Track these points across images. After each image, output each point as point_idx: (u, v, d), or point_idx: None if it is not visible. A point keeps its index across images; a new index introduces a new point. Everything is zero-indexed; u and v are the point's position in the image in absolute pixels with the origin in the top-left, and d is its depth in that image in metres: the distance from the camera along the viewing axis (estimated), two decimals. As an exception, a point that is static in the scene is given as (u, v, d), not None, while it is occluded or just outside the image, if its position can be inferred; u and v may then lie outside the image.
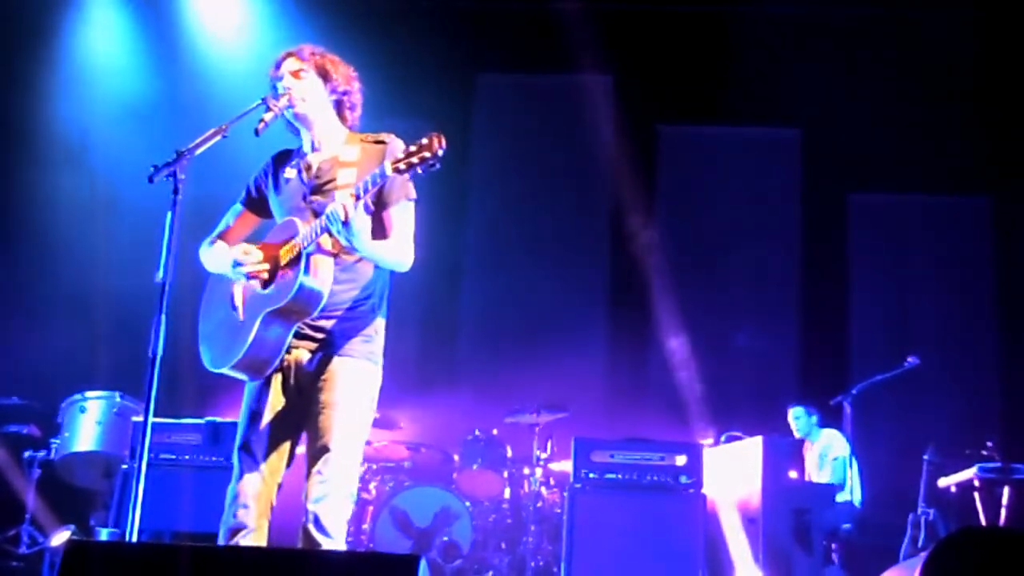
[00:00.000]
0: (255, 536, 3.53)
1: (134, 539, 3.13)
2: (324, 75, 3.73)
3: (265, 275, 3.59)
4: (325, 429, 3.53)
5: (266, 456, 3.56)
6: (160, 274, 3.30)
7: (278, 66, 3.74)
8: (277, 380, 3.62)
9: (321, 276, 3.50)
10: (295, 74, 3.70)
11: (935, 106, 8.20)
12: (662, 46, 8.64)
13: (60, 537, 6.20)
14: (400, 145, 3.60)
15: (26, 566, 6.63)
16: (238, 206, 3.87)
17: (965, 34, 8.13)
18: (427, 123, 8.79)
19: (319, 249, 3.51)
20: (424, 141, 3.38)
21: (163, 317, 3.25)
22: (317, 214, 3.56)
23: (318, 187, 3.68)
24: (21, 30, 8.17)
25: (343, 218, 3.37)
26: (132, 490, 3.17)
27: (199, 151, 3.44)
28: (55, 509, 6.88)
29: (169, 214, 3.37)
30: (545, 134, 8.94)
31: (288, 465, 3.64)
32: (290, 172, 3.75)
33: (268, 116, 3.63)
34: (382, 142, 3.71)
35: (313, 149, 3.77)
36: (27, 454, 6.85)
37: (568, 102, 8.46)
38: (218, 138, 3.51)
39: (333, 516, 3.50)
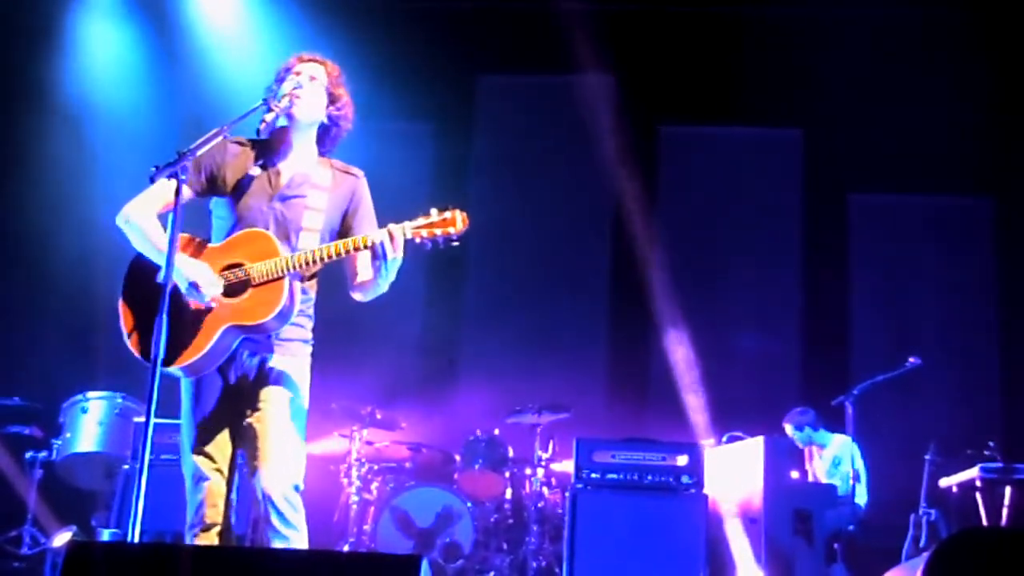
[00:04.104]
0: (224, 532, 3.59)
1: (136, 539, 3.13)
2: (332, 97, 3.78)
3: (222, 296, 3.54)
4: (272, 426, 3.58)
5: (220, 454, 3.62)
6: (162, 275, 3.29)
7: (299, 61, 3.78)
8: (215, 379, 3.64)
9: (296, 301, 3.57)
10: (312, 79, 3.75)
11: (936, 106, 8.19)
12: (663, 47, 8.64)
13: (62, 538, 6.20)
14: (365, 184, 3.81)
15: (28, 567, 6.63)
16: (173, 181, 3.44)
17: (967, 34, 8.13)
18: (428, 124, 8.87)
19: (297, 275, 3.57)
20: (448, 215, 3.47)
21: (165, 318, 3.24)
22: (279, 223, 3.64)
23: (286, 198, 3.69)
24: (24, 33, 8.19)
25: (393, 253, 3.47)
26: (134, 491, 3.16)
27: (200, 152, 3.43)
28: (57, 510, 6.88)
29: (170, 215, 3.37)
30: (546, 135, 8.93)
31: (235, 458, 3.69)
32: (255, 170, 3.72)
33: (270, 117, 3.66)
34: (352, 174, 3.82)
35: (284, 156, 3.76)
36: (29, 455, 6.86)
37: (569, 103, 8.46)
38: (219, 139, 3.51)
39: (296, 511, 3.56)
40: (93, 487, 6.85)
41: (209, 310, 3.53)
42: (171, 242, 3.31)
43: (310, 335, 3.77)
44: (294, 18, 8.11)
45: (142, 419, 3.45)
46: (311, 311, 3.77)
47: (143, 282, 3.57)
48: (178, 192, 3.37)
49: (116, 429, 6.68)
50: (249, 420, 3.61)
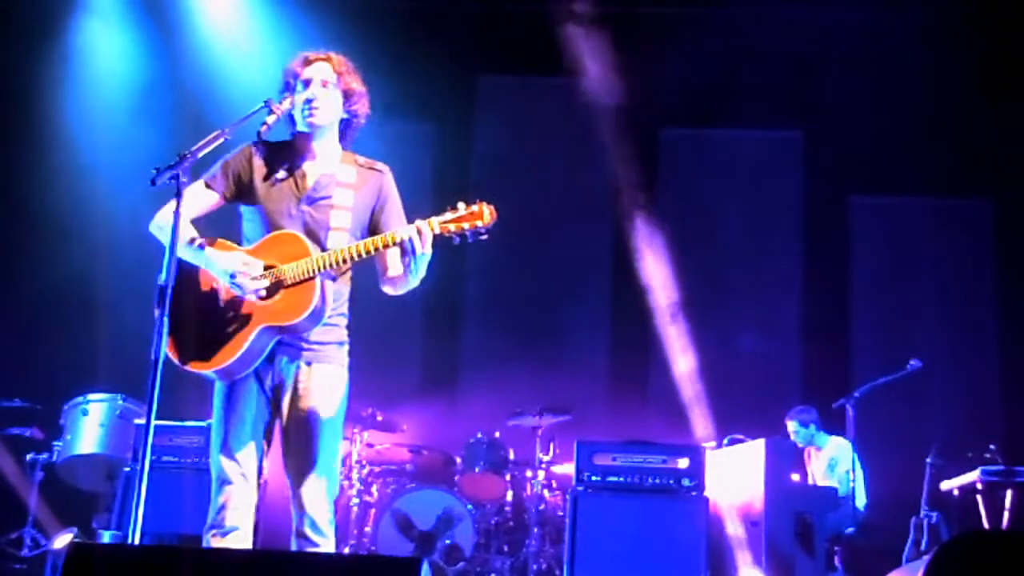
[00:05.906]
0: (244, 537, 3.58)
1: (136, 541, 3.13)
2: (347, 94, 3.77)
3: (264, 292, 3.57)
4: (311, 436, 3.59)
5: (247, 458, 3.59)
6: (162, 276, 3.30)
7: (305, 64, 3.74)
8: (251, 383, 3.62)
9: (328, 301, 3.58)
10: (324, 84, 3.73)
11: (937, 108, 8.19)
12: (664, 48, 8.62)
13: (62, 540, 6.20)
14: (391, 179, 3.80)
15: (28, 569, 6.64)
16: (205, 187, 3.70)
17: (966, 35, 8.13)
18: (429, 124, 8.86)
19: (329, 275, 3.57)
20: (475, 208, 3.48)
21: (165, 319, 3.24)
22: (308, 226, 3.64)
23: (314, 200, 3.70)
24: (26, 32, 8.20)
25: (422, 249, 3.49)
26: (134, 492, 3.16)
27: (201, 154, 3.43)
28: (57, 512, 6.89)
29: (171, 217, 3.37)
30: (546, 135, 8.93)
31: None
32: (281, 174, 3.73)
33: (271, 119, 3.64)
34: (377, 170, 3.81)
35: (309, 158, 3.77)
36: (29, 457, 6.87)
37: (570, 104, 8.45)
38: (220, 141, 3.51)
39: (325, 518, 3.59)
40: (94, 489, 6.85)
41: (247, 316, 3.54)
42: (171, 244, 3.32)
43: (345, 335, 3.76)
44: (295, 19, 8.11)
45: (143, 421, 3.44)
46: (345, 309, 3.76)
47: (181, 284, 3.51)
48: (178, 193, 3.37)
49: (117, 431, 6.68)
50: (286, 431, 3.63)
